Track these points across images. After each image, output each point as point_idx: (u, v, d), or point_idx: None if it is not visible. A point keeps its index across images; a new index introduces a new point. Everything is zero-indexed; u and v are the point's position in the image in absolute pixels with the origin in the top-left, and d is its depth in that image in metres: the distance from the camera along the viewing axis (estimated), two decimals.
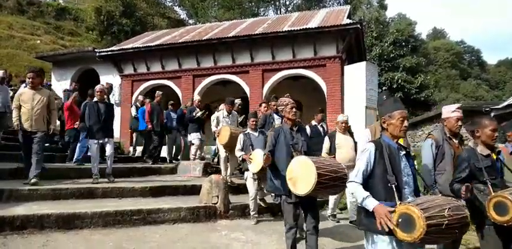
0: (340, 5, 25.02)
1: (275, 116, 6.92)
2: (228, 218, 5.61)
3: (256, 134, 5.76)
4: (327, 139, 6.06)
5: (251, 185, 5.51)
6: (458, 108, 3.72)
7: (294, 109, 3.93)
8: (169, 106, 9.88)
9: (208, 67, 13.07)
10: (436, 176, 3.61)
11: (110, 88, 11.53)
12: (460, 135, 3.83)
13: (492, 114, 9.80)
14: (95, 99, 6.51)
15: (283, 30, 11.92)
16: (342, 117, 6.12)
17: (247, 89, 12.56)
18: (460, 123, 3.65)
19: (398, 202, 2.30)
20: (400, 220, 2.18)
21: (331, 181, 3.34)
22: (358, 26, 11.12)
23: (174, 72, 13.50)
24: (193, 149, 8.55)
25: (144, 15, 24.98)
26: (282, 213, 4.12)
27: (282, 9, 31.45)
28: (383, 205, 2.31)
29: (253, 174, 5.41)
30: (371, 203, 2.36)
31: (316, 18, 13.18)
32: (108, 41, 21.95)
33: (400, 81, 19.91)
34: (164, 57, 13.50)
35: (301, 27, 11.73)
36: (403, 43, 21.87)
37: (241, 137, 5.75)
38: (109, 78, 14.06)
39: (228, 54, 12.70)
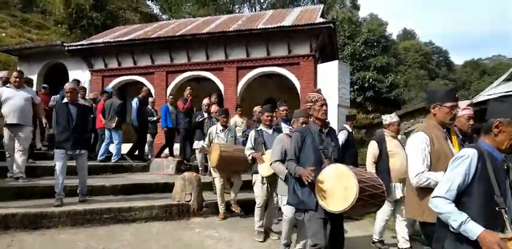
0: (314, 4, 25.27)
1: (283, 125, 5.46)
2: (201, 215, 5.59)
3: (270, 131, 4.95)
4: (374, 144, 4.80)
5: (259, 191, 4.77)
6: (469, 105, 3.33)
7: (324, 107, 3.25)
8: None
9: (181, 64, 12.91)
10: None
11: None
12: (470, 135, 3.44)
13: None
14: (65, 100, 5.36)
15: (258, 27, 11.93)
16: (395, 117, 4.90)
17: (221, 86, 12.50)
18: (471, 122, 3.30)
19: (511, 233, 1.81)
20: None
21: (371, 199, 2.84)
22: (331, 25, 11.27)
23: (146, 68, 13.26)
24: (198, 157, 7.90)
25: (116, 9, 24.33)
26: (305, 231, 3.45)
27: (256, 7, 31.44)
28: (492, 232, 1.80)
29: (262, 178, 4.72)
30: (475, 229, 1.82)
31: (290, 17, 13.27)
32: (78, 34, 21.24)
33: (371, 80, 20.35)
34: (136, 53, 13.23)
35: (276, 25, 11.78)
36: (375, 44, 22.32)
37: (252, 134, 5.00)
38: (78, 73, 13.63)
39: (202, 51, 12.60)
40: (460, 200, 1.96)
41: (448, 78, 45.12)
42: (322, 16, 13.06)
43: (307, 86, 11.38)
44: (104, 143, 8.27)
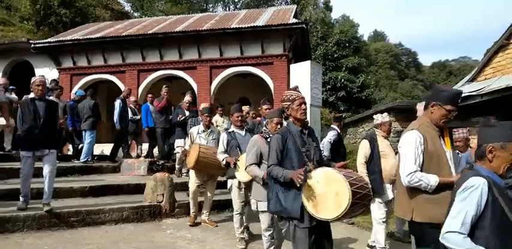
0: (288, 5, 25.46)
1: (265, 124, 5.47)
2: (173, 216, 5.54)
3: (242, 133, 4.63)
4: (367, 143, 4.61)
5: (236, 197, 4.50)
6: None
7: (303, 106, 3.01)
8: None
9: (154, 62, 12.70)
10: None
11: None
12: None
13: None
14: (31, 95, 4.87)
15: (231, 27, 11.90)
16: (386, 116, 4.81)
17: (194, 85, 12.39)
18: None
19: None
20: None
21: (361, 200, 2.70)
22: (304, 25, 11.39)
23: (117, 67, 12.96)
24: (177, 158, 7.75)
25: (85, 5, 23.62)
26: (280, 235, 3.57)
27: (230, 6, 31.36)
28: None
29: (239, 183, 4.43)
30: None
31: (264, 17, 13.31)
32: (45, 32, 20.49)
33: (343, 80, 20.69)
34: (106, 51, 12.91)
35: (249, 25, 11.79)
36: (347, 44, 22.71)
37: (224, 136, 4.65)
38: (45, 71, 13.16)
39: (175, 49, 12.44)
40: (472, 233, 1.85)
41: (416, 79, 46.54)
42: (295, 16, 13.17)
43: (281, 86, 11.46)
44: (87, 143, 8.11)
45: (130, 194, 6.17)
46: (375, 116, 4.90)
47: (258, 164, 3.63)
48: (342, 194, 2.58)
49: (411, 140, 2.54)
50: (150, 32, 12.75)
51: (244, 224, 4.63)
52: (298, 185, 2.65)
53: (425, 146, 2.52)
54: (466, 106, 7.86)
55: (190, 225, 5.27)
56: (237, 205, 4.50)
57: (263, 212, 3.60)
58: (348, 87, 20.90)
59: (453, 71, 50.64)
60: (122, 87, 12.75)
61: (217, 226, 5.29)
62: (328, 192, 2.66)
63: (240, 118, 4.65)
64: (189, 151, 5.29)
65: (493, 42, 8.32)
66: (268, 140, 3.57)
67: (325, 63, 21.44)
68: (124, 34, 12.85)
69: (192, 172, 5.42)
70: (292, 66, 9.76)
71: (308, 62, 9.25)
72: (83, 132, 8.19)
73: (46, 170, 4.70)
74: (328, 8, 30.19)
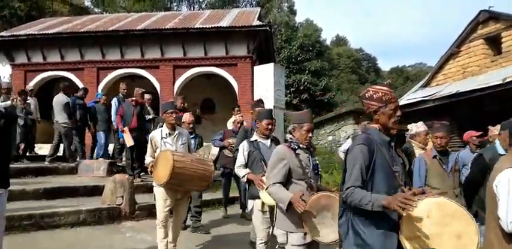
0: (252, 7, 25.60)
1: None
2: (133, 219, 5.42)
3: (267, 143, 3.74)
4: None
5: (259, 222, 3.56)
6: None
7: (399, 112, 2.18)
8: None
9: (114, 60, 12.38)
10: None
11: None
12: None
13: None
14: None
15: (195, 27, 11.83)
16: (422, 126, 4.23)
17: (157, 85, 12.19)
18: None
19: None
20: None
21: None
22: (267, 28, 11.54)
23: (75, 63, 12.50)
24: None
25: None
26: None
27: (195, 6, 31.06)
28: None
29: (262, 204, 3.52)
30: None
31: (228, 18, 13.33)
32: None
33: (306, 83, 21.12)
34: (64, 47, 12.41)
35: (213, 25, 11.76)
36: (310, 48, 23.16)
37: (245, 146, 3.75)
38: None
39: (137, 48, 12.19)
40: None
41: (376, 83, 48.16)
42: (259, 19, 13.28)
43: (245, 87, 11.53)
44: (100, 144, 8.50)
45: (88, 196, 5.98)
46: (409, 126, 4.40)
47: (285, 184, 2.82)
48: (467, 238, 1.91)
49: None
50: (110, 28, 12.42)
51: None
52: (403, 213, 1.87)
53: None
54: (419, 110, 8.28)
55: None
56: (261, 232, 3.55)
57: (298, 246, 2.76)
58: (311, 90, 21.35)
59: (410, 76, 52.82)
60: (80, 85, 12.29)
61: None
62: (444, 233, 1.94)
63: (270, 126, 3.72)
64: (155, 162, 3.94)
65: (446, 49, 8.84)
66: (297, 152, 2.85)
67: (289, 65, 21.78)
68: (82, 30, 12.44)
69: (160, 192, 3.97)
70: (256, 68, 9.83)
71: (271, 64, 9.36)
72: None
73: None
74: (293, 12, 30.61)
